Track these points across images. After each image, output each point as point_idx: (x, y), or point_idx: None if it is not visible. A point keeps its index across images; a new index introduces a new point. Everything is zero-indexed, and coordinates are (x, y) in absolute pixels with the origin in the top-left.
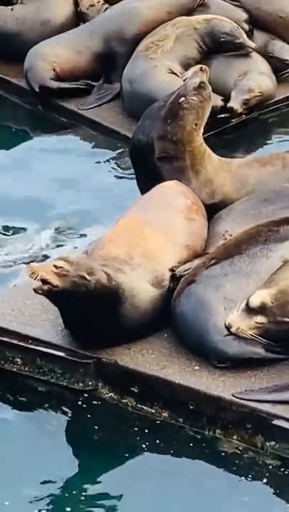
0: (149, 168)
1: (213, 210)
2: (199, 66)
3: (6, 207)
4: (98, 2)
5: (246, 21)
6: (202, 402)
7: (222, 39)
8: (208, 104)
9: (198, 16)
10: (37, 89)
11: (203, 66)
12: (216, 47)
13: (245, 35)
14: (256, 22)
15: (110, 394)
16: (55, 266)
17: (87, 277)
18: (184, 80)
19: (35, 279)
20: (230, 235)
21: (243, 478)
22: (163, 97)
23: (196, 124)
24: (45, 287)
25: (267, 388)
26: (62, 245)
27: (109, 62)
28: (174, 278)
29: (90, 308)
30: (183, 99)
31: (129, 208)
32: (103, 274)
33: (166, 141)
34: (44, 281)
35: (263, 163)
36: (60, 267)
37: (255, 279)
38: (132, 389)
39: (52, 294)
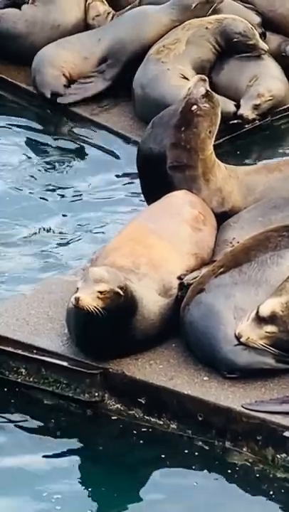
0: (159, 177)
1: (223, 218)
2: (198, 76)
3: (11, 213)
4: (104, 11)
5: (259, 24)
6: (211, 414)
7: (235, 39)
8: (218, 111)
9: (209, 17)
10: (48, 96)
11: (203, 76)
12: (228, 47)
13: (258, 36)
14: (270, 24)
15: (117, 405)
16: (99, 292)
17: (121, 293)
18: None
19: (84, 309)
20: (238, 243)
21: (253, 491)
22: (170, 106)
23: (209, 132)
24: (92, 310)
25: (278, 399)
26: (71, 251)
27: (111, 62)
28: (182, 286)
29: (111, 321)
30: (195, 107)
31: (135, 216)
32: (128, 286)
33: (180, 150)
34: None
35: (270, 169)
36: (104, 291)
37: (265, 287)
38: (140, 400)
39: (93, 314)
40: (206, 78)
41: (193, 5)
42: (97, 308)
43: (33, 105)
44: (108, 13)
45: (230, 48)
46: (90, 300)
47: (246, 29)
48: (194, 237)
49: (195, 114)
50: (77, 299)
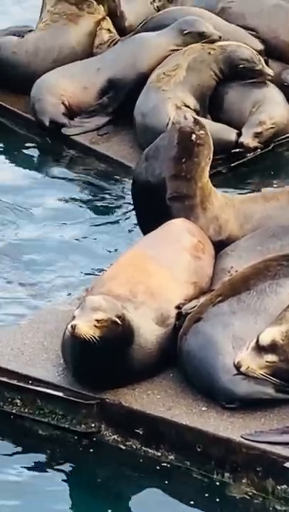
0: (156, 207)
1: (220, 247)
2: (171, 105)
3: (8, 244)
4: (108, 40)
5: (262, 52)
6: (210, 445)
7: (240, 65)
8: (210, 136)
9: (212, 43)
10: (47, 124)
11: (176, 104)
12: (233, 74)
13: (263, 62)
14: (273, 51)
15: (114, 436)
16: (96, 320)
17: (119, 322)
18: (172, 121)
19: (81, 338)
20: (236, 271)
21: None
22: (161, 138)
23: (209, 159)
24: (89, 338)
25: (278, 430)
26: (66, 280)
27: (112, 93)
28: (180, 316)
29: (107, 350)
30: (194, 136)
31: (133, 244)
32: (126, 315)
33: (180, 180)
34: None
35: (267, 198)
36: (101, 320)
37: (264, 316)
38: (137, 431)
39: (90, 343)
40: (183, 107)
41: (186, 31)
42: (94, 337)
43: (32, 133)
44: (112, 41)
45: (235, 74)
46: (87, 328)
47: (252, 55)
48: (193, 266)
49: (195, 144)
50: (73, 327)
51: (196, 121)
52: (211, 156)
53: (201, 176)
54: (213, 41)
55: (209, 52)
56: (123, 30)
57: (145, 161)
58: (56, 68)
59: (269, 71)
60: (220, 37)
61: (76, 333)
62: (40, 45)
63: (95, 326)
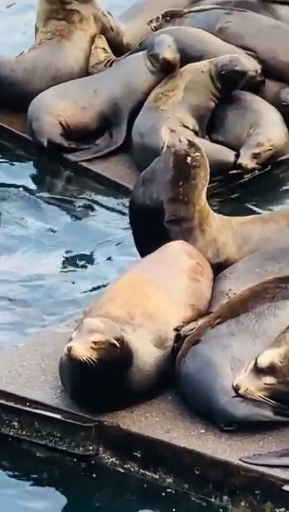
0: (154, 230)
1: (218, 269)
2: (166, 128)
3: (3, 263)
4: (105, 59)
5: (260, 73)
6: (208, 467)
7: (223, 71)
8: (206, 157)
9: (204, 61)
10: (45, 144)
11: (170, 127)
12: (223, 83)
13: (244, 62)
14: (272, 71)
15: (112, 459)
16: (93, 342)
17: (117, 344)
18: (167, 145)
19: (77, 360)
20: (235, 294)
21: None
22: (156, 161)
23: (206, 180)
24: (85, 361)
25: (276, 452)
26: (64, 302)
27: (113, 119)
28: (178, 338)
29: (105, 373)
30: (189, 158)
31: (131, 266)
32: (124, 337)
33: (177, 203)
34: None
35: (265, 220)
36: (98, 342)
37: (262, 338)
38: (135, 454)
39: (86, 365)
40: (172, 128)
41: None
42: (91, 359)
43: (29, 152)
44: (108, 61)
45: (224, 81)
46: (83, 350)
47: (232, 58)
48: (192, 288)
49: (192, 166)
50: (69, 349)
51: (190, 144)
52: (208, 178)
53: (199, 198)
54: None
55: (202, 71)
56: (119, 48)
57: (142, 185)
58: (53, 87)
59: (250, 67)
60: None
61: (72, 355)
62: (38, 63)
63: (92, 348)
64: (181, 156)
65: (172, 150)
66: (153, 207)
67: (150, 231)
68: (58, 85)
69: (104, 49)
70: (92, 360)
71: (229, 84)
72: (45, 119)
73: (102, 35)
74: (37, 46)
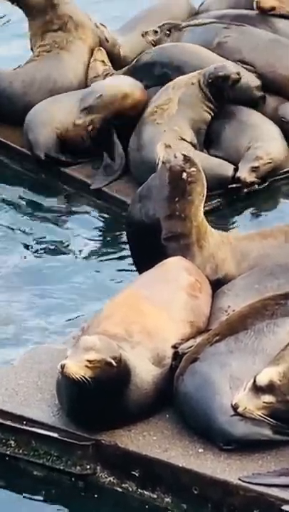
0: (151, 247)
1: (217, 285)
2: (161, 144)
3: (3, 280)
4: (103, 72)
5: (259, 87)
6: (207, 487)
7: (210, 80)
8: (202, 172)
9: (193, 72)
10: (42, 158)
11: (166, 142)
12: (214, 95)
13: (228, 67)
14: (271, 85)
15: (110, 478)
16: (88, 360)
17: (114, 363)
18: (162, 161)
19: (70, 378)
20: (234, 311)
21: None
22: (152, 178)
23: (202, 196)
24: (79, 379)
25: (275, 472)
26: (61, 319)
27: (108, 138)
28: (177, 356)
29: (102, 391)
30: (185, 174)
31: (129, 283)
32: (122, 355)
33: (174, 220)
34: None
35: (264, 236)
36: (93, 360)
37: (261, 356)
38: (133, 473)
39: (80, 383)
40: (168, 143)
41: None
42: (85, 378)
43: (26, 168)
44: (106, 74)
45: (212, 90)
46: (77, 368)
47: (216, 65)
48: (190, 305)
49: (188, 182)
50: (62, 366)
51: (186, 159)
52: (205, 193)
53: (196, 214)
54: None
55: (192, 83)
56: (117, 60)
57: (138, 202)
58: (48, 99)
59: (233, 70)
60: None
61: (65, 372)
62: (37, 75)
63: (87, 366)
64: (176, 171)
65: (167, 166)
66: (150, 224)
67: (148, 248)
68: (54, 97)
69: (103, 62)
70: (86, 378)
71: (217, 92)
72: (41, 132)
73: (101, 48)
74: (35, 58)
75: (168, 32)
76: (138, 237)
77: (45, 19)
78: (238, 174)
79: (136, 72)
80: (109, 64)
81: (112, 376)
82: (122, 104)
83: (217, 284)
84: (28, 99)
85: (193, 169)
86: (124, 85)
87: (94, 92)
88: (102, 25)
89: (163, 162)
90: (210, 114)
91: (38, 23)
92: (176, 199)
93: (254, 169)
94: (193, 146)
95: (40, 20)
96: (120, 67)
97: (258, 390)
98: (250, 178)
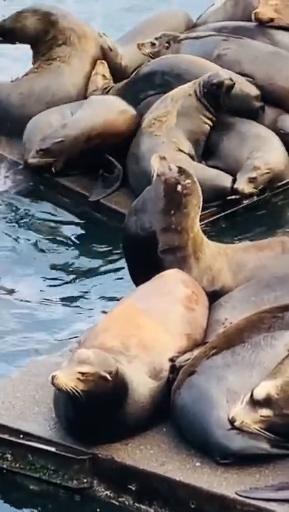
0: (148, 260)
1: (214, 297)
2: (156, 156)
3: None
4: (103, 86)
5: (258, 98)
6: (204, 501)
7: (205, 88)
8: (198, 183)
9: (189, 83)
10: (29, 161)
11: (161, 155)
12: (210, 103)
13: (221, 74)
14: (270, 97)
15: (106, 492)
16: (80, 373)
17: (108, 377)
18: (157, 173)
19: (60, 389)
20: (231, 323)
21: None
22: (147, 190)
23: (198, 207)
24: (69, 391)
25: (273, 486)
26: (58, 332)
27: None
28: (174, 369)
29: (98, 405)
30: (180, 186)
31: (126, 295)
32: (118, 369)
33: (170, 233)
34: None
35: (260, 247)
36: (86, 373)
37: (259, 369)
38: (130, 487)
39: (73, 395)
40: (164, 155)
41: None
42: (75, 390)
43: (25, 181)
44: (105, 88)
45: (208, 98)
46: (67, 380)
47: (210, 74)
48: (187, 317)
49: (183, 194)
50: (53, 377)
51: (181, 171)
52: (201, 205)
53: (192, 226)
54: None
55: (189, 94)
56: (119, 70)
57: (134, 215)
58: (47, 110)
59: (224, 75)
60: None
61: (55, 383)
62: (35, 87)
63: (78, 378)
64: (171, 184)
65: (162, 178)
66: (146, 237)
67: (144, 260)
68: (52, 109)
69: (104, 76)
70: (77, 391)
71: (214, 101)
72: (38, 141)
73: (103, 61)
74: (35, 70)
75: (167, 44)
76: (134, 250)
77: (49, 38)
78: (236, 185)
79: (136, 83)
80: (110, 78)
81: (108, 390)
82: (88, 143)
83: (214, 296)
84: (25, 111)
85: (188, 181)
86: (96, 121)
87: (54, 135)
88: (104, 34)
89: (158, 175)
90: (209, 124)
91: (42, 48)
92: (172, 212)
93: (252, 180)
94: (191, 157)
95: (44, 44)
96: (122, 78)
97: (255, 403)
98: (248, 189)
